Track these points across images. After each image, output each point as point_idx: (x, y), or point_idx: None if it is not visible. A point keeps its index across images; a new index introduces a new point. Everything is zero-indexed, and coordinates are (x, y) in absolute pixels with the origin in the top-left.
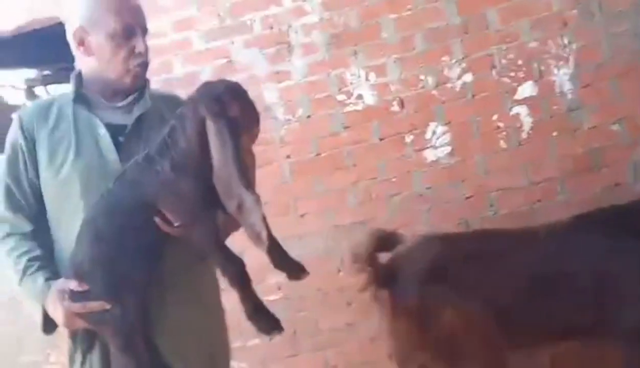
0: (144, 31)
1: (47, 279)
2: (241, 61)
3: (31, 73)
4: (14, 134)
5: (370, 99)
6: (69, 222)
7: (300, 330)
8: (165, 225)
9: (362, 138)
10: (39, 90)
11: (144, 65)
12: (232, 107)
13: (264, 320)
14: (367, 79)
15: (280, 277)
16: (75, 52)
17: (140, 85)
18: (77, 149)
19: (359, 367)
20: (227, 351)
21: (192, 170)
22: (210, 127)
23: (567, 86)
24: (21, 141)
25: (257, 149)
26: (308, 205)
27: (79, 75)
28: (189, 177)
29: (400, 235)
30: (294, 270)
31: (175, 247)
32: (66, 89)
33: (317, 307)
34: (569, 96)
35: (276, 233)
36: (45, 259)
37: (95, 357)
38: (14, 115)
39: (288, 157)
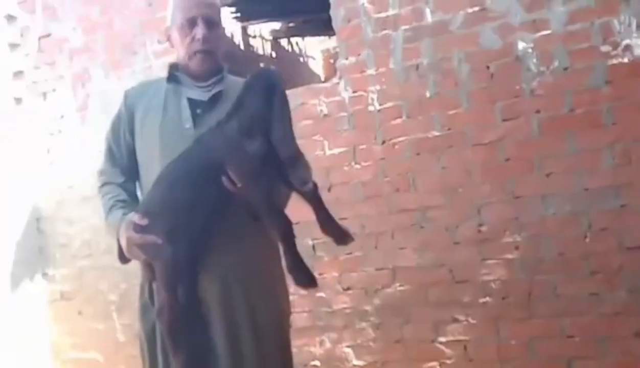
0: (208, 21)
1: (124, 214)
2: (495, 9)
3: (277, 25)
4: (119, 106)
5: None
6: (150, 172)
7: (536, 293)
8: (230, 184)
9: (627, 94)
10: (283, 41)
11: (206, 52)
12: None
13: (301, 274)
14: (638, 28)
15: (518, 236)
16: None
17: (207, 69)
18: (164, 113)
19: (599, 342)
20: (271, 306)
21: (256, 134)
22: (278, 95)
23: None
24: (123, 111)
25: (505, 101)
26: (556, 164)
27: (174, 63)
28: (253, 140)
29: None
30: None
31: (236, 207)
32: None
33: (557, 272)
34: None
35: (518, 191)
36: (128, 203)
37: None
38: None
39: (538, 111)
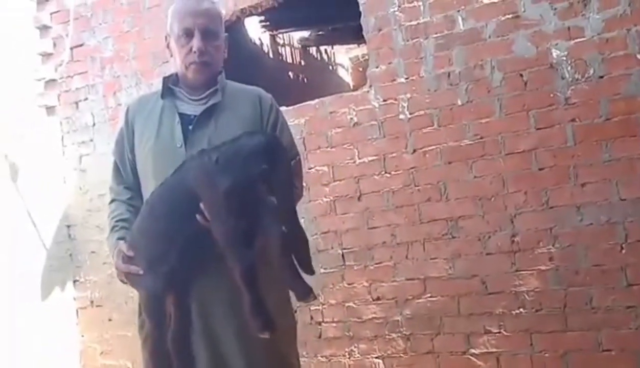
0: (205, 32)
1: (120, 238)
2: (529, 16)
3: (306, 33)
4: (121, 122)
5: None
6: (147, 192)
7: (570, 305)
8: (204, 221)
9: None
10: (312, 50)
11: (202, 64)
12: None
13: (260, 319)
14: None
15: (552, 247)
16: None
17: (204, 80)
18: (157, 133)
19: (636, 355)
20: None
21: (233, 172)
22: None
23: None
24: (124, 127)
25: (539, 110)
26: (591, 173)
27: (171, 75)
28: (227, 177)
29: None
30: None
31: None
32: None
33: (592, 283)
34: None
35: (553, 201)
36: (130, 221)
37: None
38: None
39: (573, 120)
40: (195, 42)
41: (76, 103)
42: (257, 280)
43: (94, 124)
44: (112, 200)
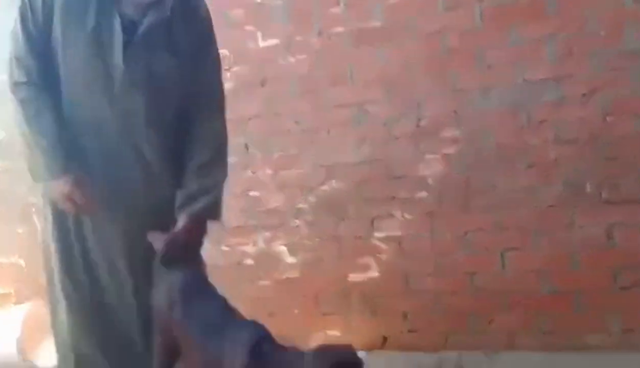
0: None
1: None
2: None
3: None
4: None
5: None
6: (74, 103)
7: (473, 187)
8: None
9: None
10: None
11: None
12: None
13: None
14: None
15: (457, 130)
16: None
17: None
18: (93, 34)
19: (533, 234)
20: None
21: None
22: None
23: None
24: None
25: None
26: (497, 55)
27: None
28: None
29: None
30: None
31: None
32: None
33: (494, 164)
34: None
35: (459, 84)
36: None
37: None
38: None
39: (481, 1)
40: None
41: None
42: None
43: None
44: (28, 83)
